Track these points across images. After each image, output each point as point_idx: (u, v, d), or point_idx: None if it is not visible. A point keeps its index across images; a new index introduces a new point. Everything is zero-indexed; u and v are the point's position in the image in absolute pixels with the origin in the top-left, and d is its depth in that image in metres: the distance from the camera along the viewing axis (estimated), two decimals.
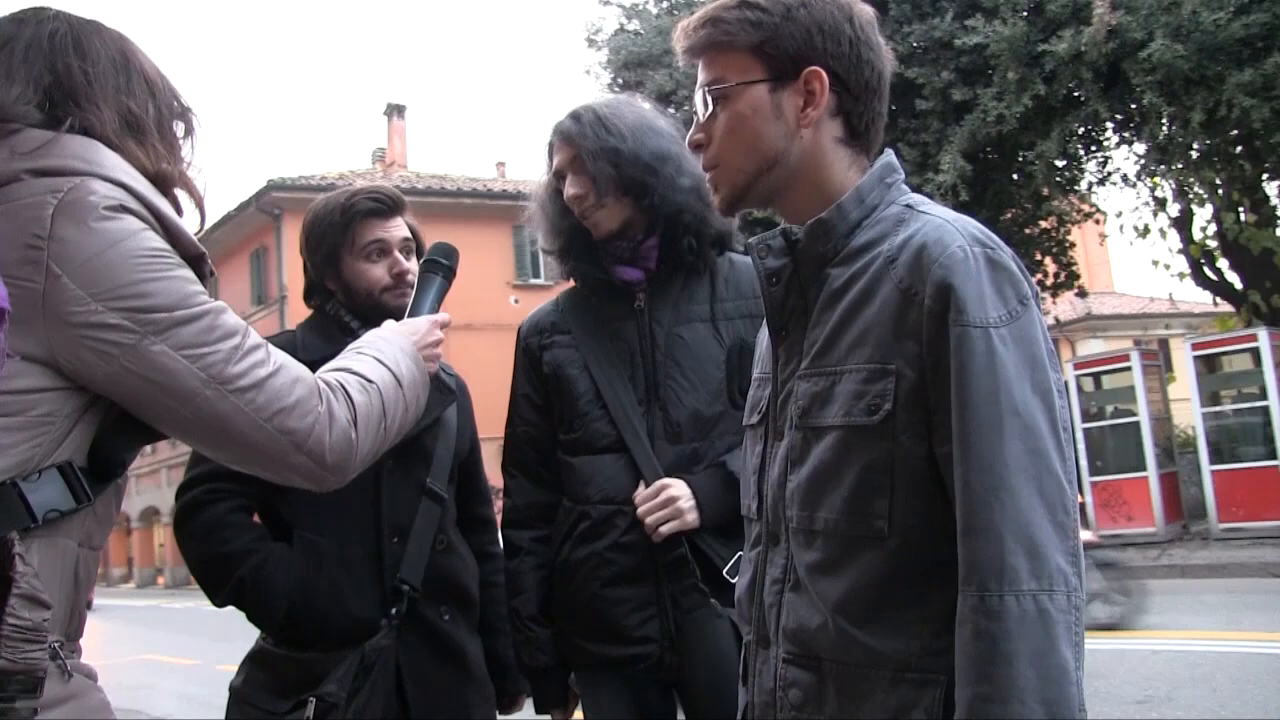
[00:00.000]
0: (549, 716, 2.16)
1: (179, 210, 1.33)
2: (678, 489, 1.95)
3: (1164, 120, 10.42)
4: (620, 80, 14.85)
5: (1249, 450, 11.40)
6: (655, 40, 13.97)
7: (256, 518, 2.08)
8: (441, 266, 1.92)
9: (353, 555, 2.01)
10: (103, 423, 1.24)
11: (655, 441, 2.01)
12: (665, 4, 15.16)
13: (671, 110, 14.41)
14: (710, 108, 1.35)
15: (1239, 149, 12.04)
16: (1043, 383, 1.17)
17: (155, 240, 1.22)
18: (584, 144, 2.03)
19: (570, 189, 2.05)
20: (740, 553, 1.90)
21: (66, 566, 1.20)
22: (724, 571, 1.93)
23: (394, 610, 2.00)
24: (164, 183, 1.31)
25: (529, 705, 2.30)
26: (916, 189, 1.44)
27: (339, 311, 2.16)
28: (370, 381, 1.42)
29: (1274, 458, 11.01)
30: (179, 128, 1.38)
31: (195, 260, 1.28)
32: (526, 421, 2.17)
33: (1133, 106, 11.14)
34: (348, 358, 1.47)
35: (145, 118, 1.31)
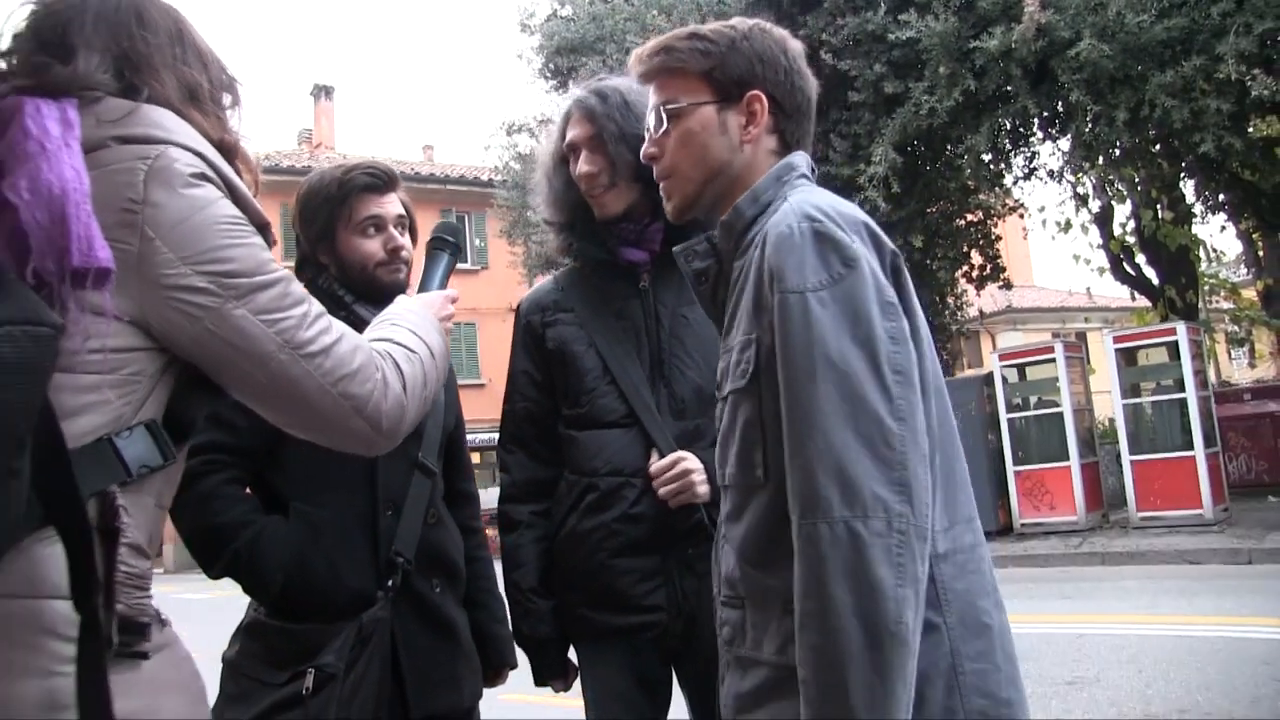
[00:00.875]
0: (548, 688, 2.19)
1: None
2: (692, 462, 2.01)
3: (1089, 118, 10.62)
4: (552, 66, 14.73)
5: (1166, 441, 11.72)
6: (588, 27, 13.87)
7: (249, 491, 2.08)
8: (449, 244, 1.97)
9: (348, 527, 2.02)
10: (177, 383, 1.28)
11: (661, 416, 2.06)
12: None
13: None
14: (664, 124, 1.54)
15: (1158, 148, 12.35)
16: (865, 334, 1.29)
17: (232, 208, 1.27)
18: (607, 125, 2.06)
19: (584, 166, 2.07)
20: None
21: (148, 521, 1.25)
22: None
23: (389, 582, 2.02)
24: (228, 152, 1.34)
25: (512, 678, 2.35)
26: (850, 180, 1.58)
27: (332, 285, 2.16)
28: (414, 352, 1.47)
29: (1190, 448, 11.34)
30: (227, 99, 1.41)
31: (261, 229, 1.33)
32: (526, 398, 2.20)
33: (1058, 105, 11.35)
34: (386, 329, 1.52)
35: (201, 88, 1.35)
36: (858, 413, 1.26)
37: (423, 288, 1.86)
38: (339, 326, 1.35)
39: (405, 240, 2.18)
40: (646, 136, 1.57)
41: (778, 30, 1.56)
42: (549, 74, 15.06)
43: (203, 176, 1.24)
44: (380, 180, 2.17)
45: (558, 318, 2.17)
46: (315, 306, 1.32)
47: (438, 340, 1.57)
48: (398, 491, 2.08)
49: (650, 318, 2.11)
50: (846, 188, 10.75)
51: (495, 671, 2.32)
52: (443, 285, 1.88)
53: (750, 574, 1.41)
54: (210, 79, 1.37)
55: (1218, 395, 13.90)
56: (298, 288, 1.31)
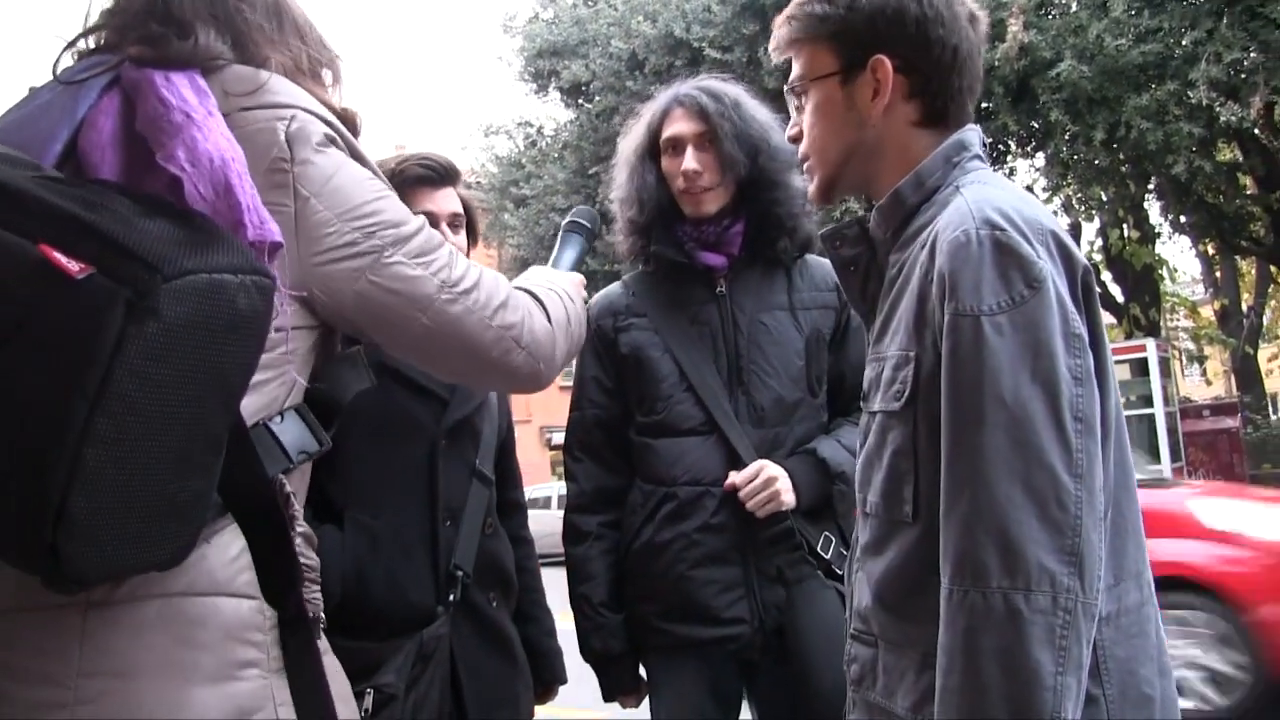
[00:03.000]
0: (615, 704, 2.15)
1: None
2: (774, 469, 1.97)
3: (1067, 137, 10.84)
4: (533, 69, 14.73)
5: (1136, 457, 11.94)
6: (571, 30, 13.90)
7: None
8: (584, 229, 1.93)
9: (408, 538, 1.92)
10: (318, 365, 1.24)
11: (740, 425, 2.02)
12: None
13: (582, 101, 14.36)
14: (799, 102, 1.39)
15: (1126, 168, 12.62)
16: (1046, 371, 1.10)
17: (363, 168, 1.24)
18: (722, 123, 2.04)
19: (691, 163, 2.04)
20: (827, 532, 2.01)
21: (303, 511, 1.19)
22: (817, 548, 1.98)
23: (450, 596, 1.93)
24: (348, 123, 1.29)
25: (562, 693, 2.28)
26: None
27: None
28: (551, 291, 1.45)
29: (1158, 463, 11.59)
30: (327, 75, 1.36)
31: None
32: (595, 404, 2.16)
33: (1034, 124, 11.57)
34: (517, 283, 1.46)
35: (302, 63, 1.30)
36: (1030, 465, 1.08)
37: (553, 267, 1.79)
38: (475, 263, 1.32)
39: (460, 239, 2.06)
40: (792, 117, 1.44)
41: None
42: (529, 77, 15.05)
43: (332, 140, 1.21)
44: (435, 173, 2.05)
45: (631, 322, 2.12)
46: (450, 246, 1.30)
47: (573, 290, 1.53)
48: (457, 500, 1.99)
49: (728, 323, 2.06)
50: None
51: (546, 688, 2.23)
52: (574, 268, 1.82)
53: (887, 616, 1.27)
54: (310, 54, 1.33)
55: (1180, 411, 14.21)
56: (434, 231, 1.29)
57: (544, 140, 15.67)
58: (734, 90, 2.12)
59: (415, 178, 2.03)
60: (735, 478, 1.98)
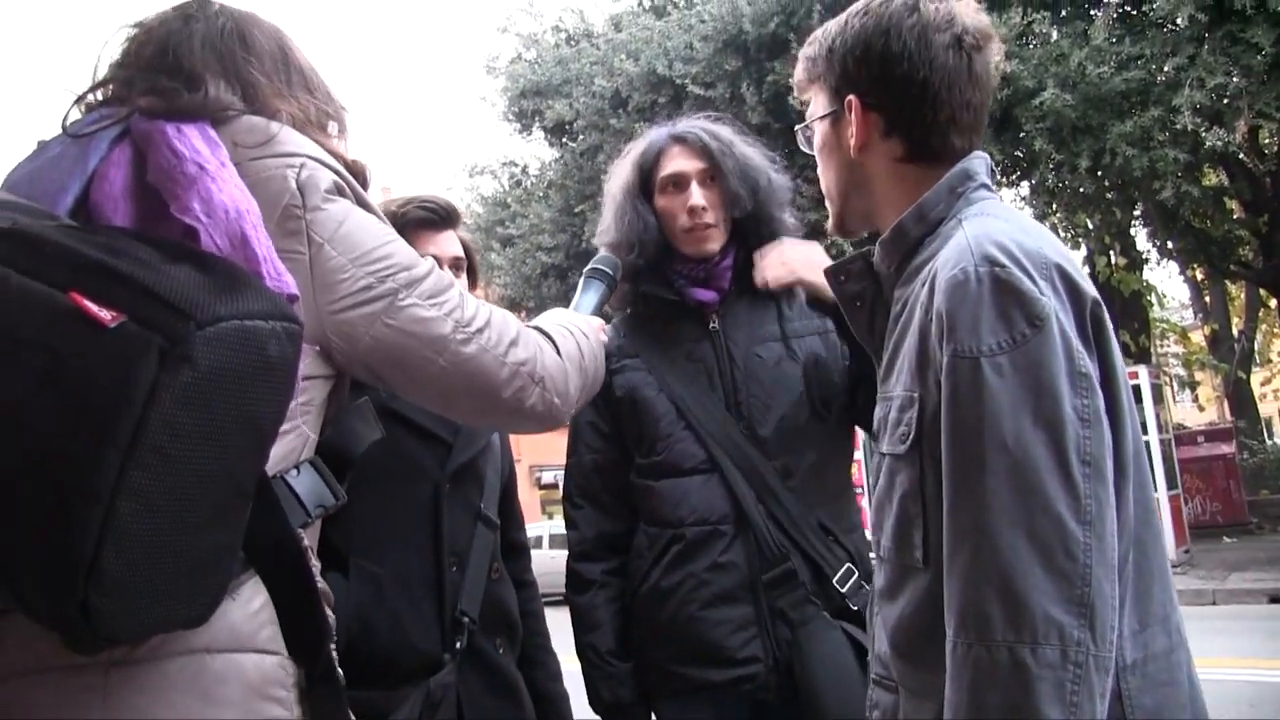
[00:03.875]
0: None
1: None
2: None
3: (1051, 165, 10.84)
4: (516, 109, 14.76)
5: None
6: (554, 69, 13.94)
7: None
8: (606, 275, 1.93)
9: (413, 584, 1.90)
10: (330, 416, 1.24)
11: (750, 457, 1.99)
12: (563, 34, 15.16)
13: (566, 140, 14.40)
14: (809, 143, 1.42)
15: (1111, 195, 12.64)
16: (1050, 413, 1.06)
17: (370, 214, 1.25)
18: (726, 160, 2.03)
19: (698, 200, 2.02)
20: (849, 564, 1.96)
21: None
22: (834, 580, 1.93)
23: (456, 644, 1.89)
24: (356, 176, 1.30)
25: None
26: (816, 225, 1.45)
27: None
28: (563, 328, 1.45)
29: (1154, 490, 11.48)
30: (333, 127, 1.36)
31: None
32: (592, 449, 2.13)
33: (1018, 153, 11.58)
34: (530, 322, 1.48)
35: (310, 114, 1.31)
36: (1034, 513, 1.04)
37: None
38: (483, 301, 1.33)
39: (462, 282, 2.04)
40: None
41: (896, 3, 1.29)
42: (513, 117, 15.09)
43: (340, 189, 1.22)
44: (437, 216, 2.05)
45: (624, 364, 2.08)
46: (458, 286, 1.30)
47: (588, 328, 1.53)
48: (462, 544, 1.96)
49: (723, 358, 2.03)
50: (813, 233, 10.81)
51: None
52: (594, 314, 1.82)
53: (903, 663, 1.23)
54: (317, 106, 1.34)
55: (1175, 438, 14.15)
56: (443, 271, 1.30)
57: (529, 180, 15.67)
58: (728, 130, 2.11)
59: (417, 220, 2.02)
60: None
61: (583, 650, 2.06)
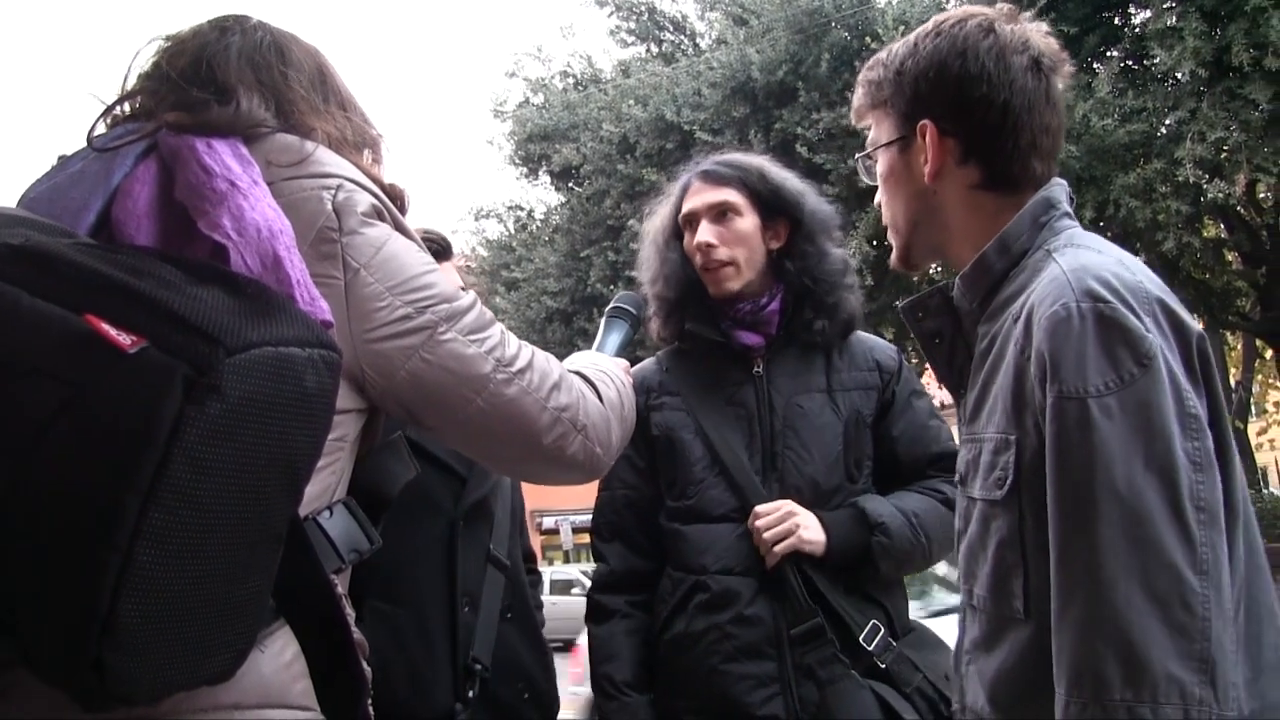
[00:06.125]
0: None
1: None
2: (800, 509, 1.88)
3: None
4: (523, 153, 14.89)
5: None
6: (561, 114, 14.07)
7: None
8: (630, 315, 1.87)
9: (430, 628, 1.85)
10: (364, 453, 1.16)
11: None
12: (571, 79, 15.34)
13: (573, 185, 14.49)
14: (871, 172, 1.35)
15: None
16: (1162, 458, 1.00)
17: (410, 241, 1.17)
18: (745, 192, 1.98)
19: (704, 236, 1.97)
20: (875, 620, 1.89)
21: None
22: (860, 638, 1.85)
23: (469, 692, 1.84)
24: (395, 199, 1.22)
25: None
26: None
27: None
28: (602, 372, 1.37)
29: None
30: (367, 155, 1.28)
31: None
32: (626, 484, 2.05)
33: None
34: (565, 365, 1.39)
35: (347, 135, 1.24)
36: (1150, 564, 0.98)
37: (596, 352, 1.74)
38: (525, 342, 1.25)
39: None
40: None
41: (973, 23, 1.24)
42: (520, 160, 15.20)
43: (379, 213, 1.15)
44: (438, 248, 2.00)
45: (663, 401, 2.02)
46: (500, 324, 1.23)
47: (622, 375, 1.45)
48: (474, 585, 1.93)
49: (764, 405, 1.96)
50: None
51: None
52: (617, 354, 1.77)
53: (1000, 717, 1.17)
54: (354, 126, 1.27)
55: None
56: (485, 308, 1.22)
57: (535, 224, 15.77)
58: (757, 159, 2.06)
59: None
60: (757, 508, 1.88)
61: (598, 681, 1.98)
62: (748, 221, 1.97)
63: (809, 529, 1.86)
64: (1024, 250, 1.20)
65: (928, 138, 1.23)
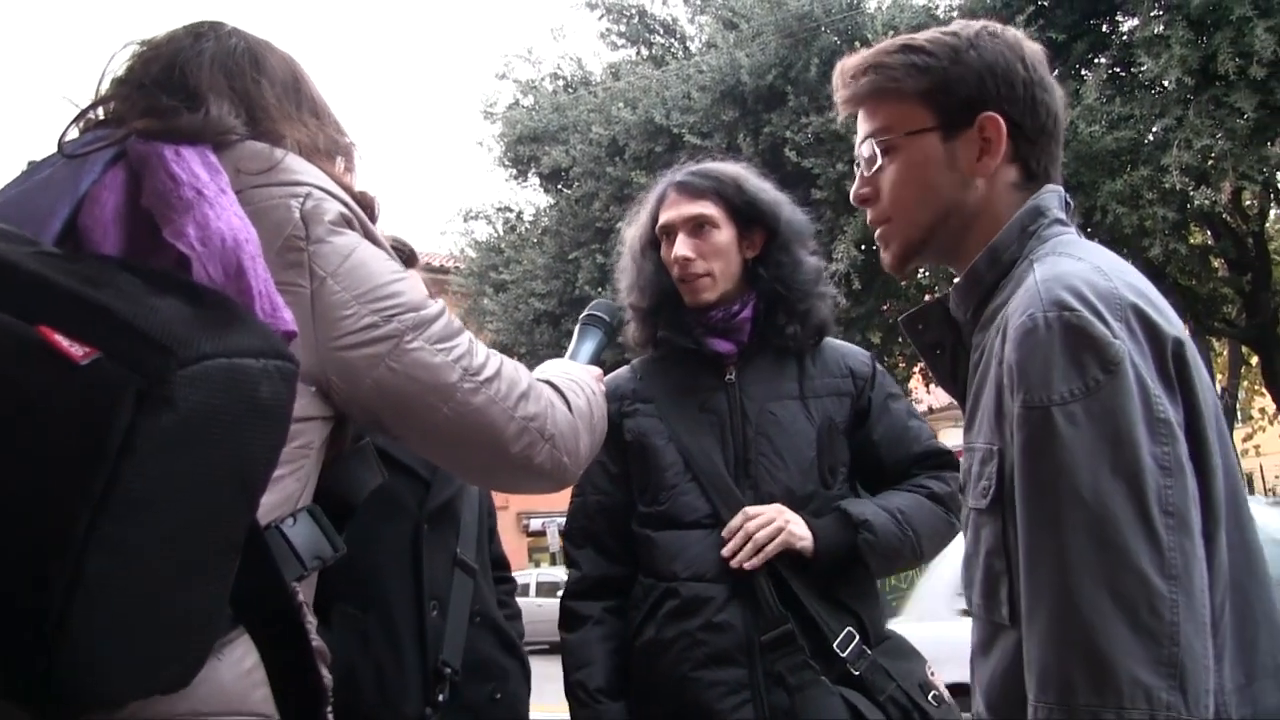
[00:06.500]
0: None
1: None
2: (789, 511, 1.88)
3: None
4: (513, 154, 14.87)
5: None
6: (551, 116, 14.06)
7: None
8: (604, 323, 1.87)
9: (397, 632, 1.85)
10: (329, 460, 1.17)
11: None
12: (560, 81, 15.33)
13: (562, 187, 14.49)
14: (878, 159, 1.29)
15: None
16: (1128, 463, 1.00)
17: (379, 249, 1.18)
18: (721, 204, 1.99)
19: (681, 250, 1.99)
20: (850, 628, 1.90)
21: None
22: (834, 645, 1.86)
23: (439, 696, 1.85)
24: (365, 208, 1.23)
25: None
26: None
27: None
28: (570, 380, 1.38)
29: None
30: (340, 163, 1.30)
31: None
32: (599, 490, 2.06)
33: None
34: (535, 373, 1.39)
35: (319, 143, 1.25)
36: (1116, 569, 0.98)
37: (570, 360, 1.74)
38: (494, 350, 1.26)
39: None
40: (858, 175, 1.33)
41: (1011, 32, 1.28)
42: (509, 162, 15.17)
43: (348, 221, 1.15)
44: (403, 255, 1.98)
45: (637, 408, 2.04)
46: (469, 332, 1.24)
47: (593, 381, 1.46)
48: (442, 588, 1.94)
49: (736, 412, 1.98)
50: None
51: None
52: (591, 363, 1.76)
53: None
54: (326, 134, 1.28)
55: None
56: (454, 316, 1.23)
57: (523, 225, 15.74)
58: (733, 169, 2.07)
59: None
60: (739, 513, 1.88)
61: (571, 689, 1.99)
62: (724, 234, 1.99)
63: (797, 523, 1.87)
64: (1013, 260, 1.22)
65: (993, 130, 1.22)
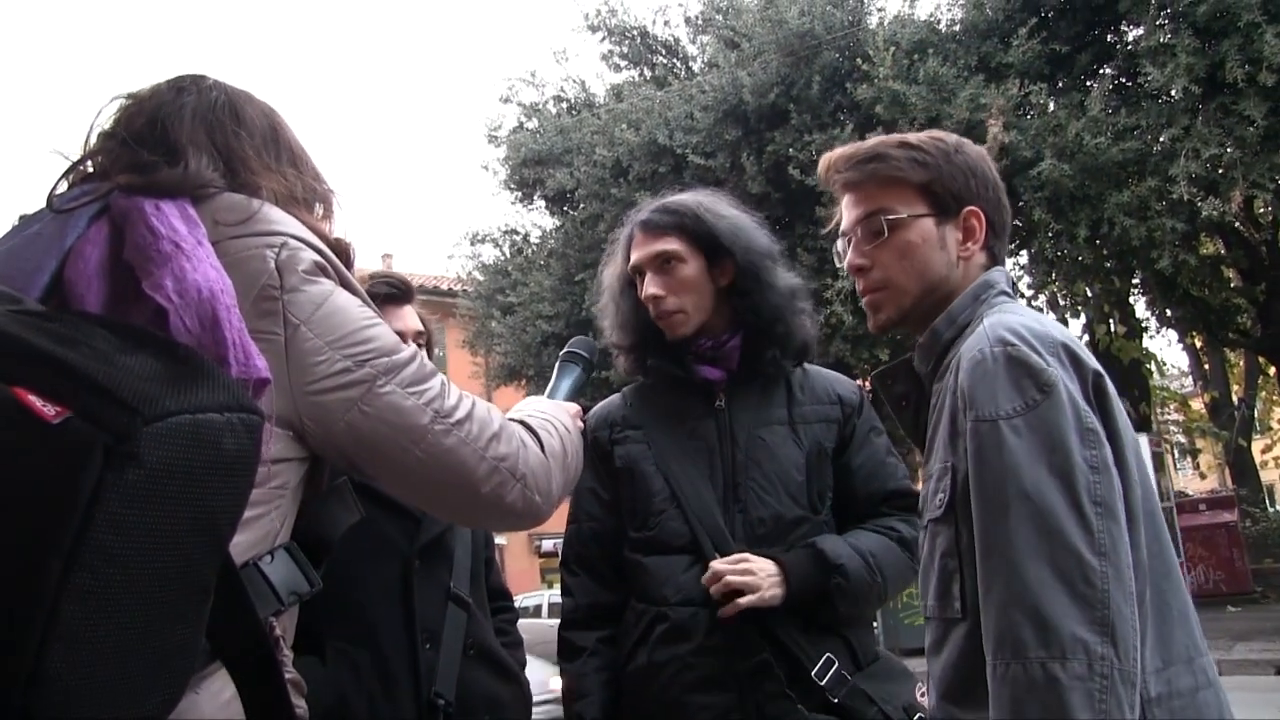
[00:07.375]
0: None
1: None
2: (760, 562, 1.87)
3: (1050, 235, 10.91)
4: (518, 177, 14.90)
5: None
6: (555, 139, 14.09)
7: None
8: (582, 359, 1.89)
9: (390, 666, 1.88)
10: (307, 498, 1.21)
11: (736, 544, 1.92)
12: (564, 104, 15.36)
13: (567, 209, 14.49)
14: (884, 234, 1.48)
15: (1109, 264, 12.73)
16: (1062, 464, 1.23)
17: (354, 296, 1.23)
18: (683, 238, 2.00)
19: (651, 289, 2.03)
20: (829, 653, 1.90)
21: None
22: (813, 673, 1.86)
23: None
24: (341, 255, 1.28)
25: None
26: (816, 294, 1.55)
27: None
28: (547, 421, 1.41)
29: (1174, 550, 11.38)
30: (319, 209, 1.35)
31: None
32: (591, 516, 2.09)
33: (1017, 223, 11.67)
34: (511, 414, 1.44)
35: (297, 192, 1.30)
36: (1055, 548, 1.21)
37: (549, 396, 1.76)
38: (466, 392, 1.29)
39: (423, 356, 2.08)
40: (853, 245, 1.51)
41: (972, 146, 1.54)
42: (514, 185, 15.22)
43: (322, 269, 1.20)
44: (399, 291, 2.10)
45: (626, 434, 2.07)
46: (441, 375, 1.27)
47: (569, 421, 1.49)
48: (434, 623, 1.95)
49: (725, 439, 2.00)
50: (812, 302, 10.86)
51: None
52: (570, 399, 1.78)
53: (950, 710, 1.35)
54: (304, 183, 1.32)
55: (1176, 506, 14.05)
56: (426, 359, 1.27)
57: (530, 248, 15.75)
58: (694, 200, 2.08)
59: (381, 296, 2.06)
60: (714, 563, 1.88)
61: (569, 719, 2.02)
62: (690, 267, 2.00)
63: (769, 585, 1.85)
64: (967, 322, 1.45)
65: (976, 221, 1.48)
